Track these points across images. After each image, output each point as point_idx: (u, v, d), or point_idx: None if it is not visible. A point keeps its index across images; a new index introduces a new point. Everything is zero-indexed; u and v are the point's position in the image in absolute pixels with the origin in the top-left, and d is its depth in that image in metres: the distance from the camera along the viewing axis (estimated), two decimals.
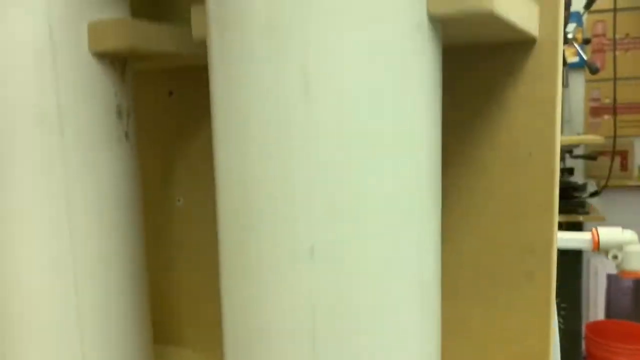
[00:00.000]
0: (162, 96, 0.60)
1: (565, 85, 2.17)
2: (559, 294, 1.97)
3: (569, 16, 1.99)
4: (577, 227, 1.96)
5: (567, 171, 2.20)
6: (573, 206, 1.95)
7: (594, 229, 0.59)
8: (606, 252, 0.59)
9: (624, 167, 2.46)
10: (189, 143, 0.60)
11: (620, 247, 0.60)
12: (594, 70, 1.87)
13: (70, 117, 0.42)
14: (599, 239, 0.58)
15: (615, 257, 0.57)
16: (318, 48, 0.28)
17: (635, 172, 2.47)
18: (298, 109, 0.28)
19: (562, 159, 2.10)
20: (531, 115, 0.42)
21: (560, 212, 1.99)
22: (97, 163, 0.44)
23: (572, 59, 2.09)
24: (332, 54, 0.28)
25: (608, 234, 0.54)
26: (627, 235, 0.54)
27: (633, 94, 2.41)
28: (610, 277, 2.52)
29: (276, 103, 0.29)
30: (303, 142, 0.28)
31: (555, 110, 0.42)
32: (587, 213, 1.93)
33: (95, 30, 0.42)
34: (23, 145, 0.41)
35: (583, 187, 2.08)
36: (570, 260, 1.96)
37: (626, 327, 2.30)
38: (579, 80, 2.25)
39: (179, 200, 0.61)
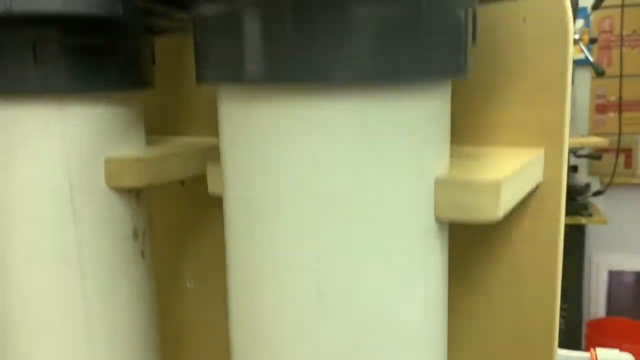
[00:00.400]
0: (175, 185, 0.61)
1: (570, 82, 2.16)
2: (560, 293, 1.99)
3: (576, 13, 1.97)
4: (579, 229, 1.98)
5: (571, 169, 2.21)
6: (576, 208, 1.96)
7: (592, 350, 0.60)
8: None
9: (628, 164, 2.47)
10: (200, 232, 0.62)
11: None
12: (599, 73, 1.86)
13: (89, 248, 0.43)
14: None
15: None
16: (330, 254, 0.29)
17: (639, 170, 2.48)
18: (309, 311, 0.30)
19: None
20: (534, 250, 0.43)
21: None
22: (115, 288, 0.45)
23: (578, 56, 2.08)
24: (344, 262, 0.29)
25: (606, 356, 0.56)
26: (624, 358, 0.55)
27: (639, 91, 2.40)
28: (611, 274, 2.55)
29: (290, 309, 0.30)
30: (311, 338, 0.30)
31: (558, 242, 0.43)
32: (590, 215, 1.94)
33: (111, 169, 0.43)
34: (41, 281, 0.43)
35: (586, 188, 2.09)
36: (573, 256, 1.98)
37: (626, 324, 2.34)
38: (584, 77, 2.24)
39: (189, 283, 0.63)
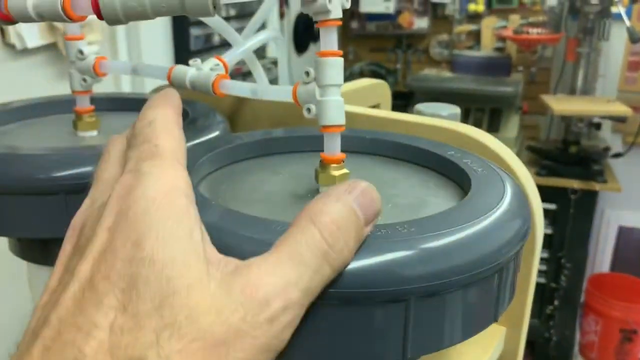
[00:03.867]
0: None
1: (605, 38, 2.11)
2: (566, 246, 2.02)
3: None
4: (592, 195, 2.00)
5: (594, 126, 2.20)
6: (591, 174, 1.97)
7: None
8: None
9: None
10: None
11: None
12: (635, 40, 1.82)
13: None
14: None
15: None
16: None
17: None
18: None
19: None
20: None
21: (578, 177, 2.01)
22: None
23: (616, 10, 2.02)
24: None
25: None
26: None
27: None
28: (621, 229, 2.59)
29: None
30: None
31: None
32: (604, 182, 1.95)
33: None
34: None
35: (604, 153, 2.08)
36: (584, 206, 2.01)
37: (627, 281, 2.40)
38: (621, 33, 2.18)
39: None
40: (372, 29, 2.57)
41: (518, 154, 2.04)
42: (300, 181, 0.35)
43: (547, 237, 2.09)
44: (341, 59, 0.32)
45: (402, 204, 0.32)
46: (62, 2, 0.27)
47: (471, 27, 2.49)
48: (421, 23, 2.53)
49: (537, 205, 0.39)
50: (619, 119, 2.07)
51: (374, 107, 0.60)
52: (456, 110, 0.47)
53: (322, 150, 0.32)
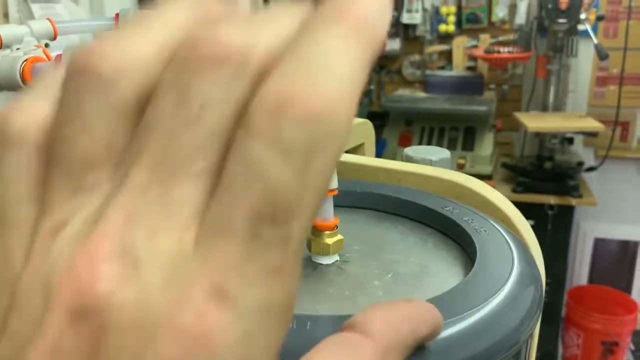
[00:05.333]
0: None
1: (574, 55, 2.15)
2: (545, 261, 2.06)
3: (581, 2, 1.94)
4: (568, 210, 2.02)
5: (567, 141, 2.23)
6: (566, 189, 1.99)
7: None
8: None
9: (623, 138, 2.49)
10: None
11: None
12: (603, 56, 1.85)
13: None
14: None
15: None
16: None
17: (634, 144, 2.50)
18: None
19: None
20: None
21: (554, 193, 2.03)
22: None
23: (583, 27, 2.06)
24: None
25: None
26: None
27: None
28: (597, 242, 2.62)
29: None
30: None
31: None
32: (580, 196, 1.97)
33: None
34: None
35: (578, 168, 2.11)
36: (561, 221, 2.02)
37: (606, 293, 2.42)
38: (588, 49, 2.22)
39: None
40: None
41: (493, 172, 2.05)
42: None
43: None
44: None
45: (403, 273, 0.29)
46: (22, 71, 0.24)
47: (442, 47, 2.51)
48: (393, 44, 2.54)
49: (539, 259, 0.37)
50: (591, 134, 2.10)
51: (358, 146, 0.58)
52: (446, 154, 0.45)
53: None
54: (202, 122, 0.12)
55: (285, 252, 0.12)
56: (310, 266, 0.30)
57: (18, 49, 0.36)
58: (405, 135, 2.33)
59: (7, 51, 0.29)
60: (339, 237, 0.30)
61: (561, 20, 1.97)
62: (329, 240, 0.30)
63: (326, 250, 0.30)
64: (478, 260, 0.28)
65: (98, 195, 0.13)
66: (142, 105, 0.13)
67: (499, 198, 0.39)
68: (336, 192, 0.30)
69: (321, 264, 0.30)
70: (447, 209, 0.34)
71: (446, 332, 0.22)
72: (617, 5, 2.38)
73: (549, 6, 1.94)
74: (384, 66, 2.62)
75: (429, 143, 2.29)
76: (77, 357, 0.11)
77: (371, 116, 2.64)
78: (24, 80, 0.24)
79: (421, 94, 2.46)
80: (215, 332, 0.11)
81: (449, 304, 0.24)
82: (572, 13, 1.93)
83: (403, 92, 2.52)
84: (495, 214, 0.39)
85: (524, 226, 0.39)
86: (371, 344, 0.17)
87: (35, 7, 1.13)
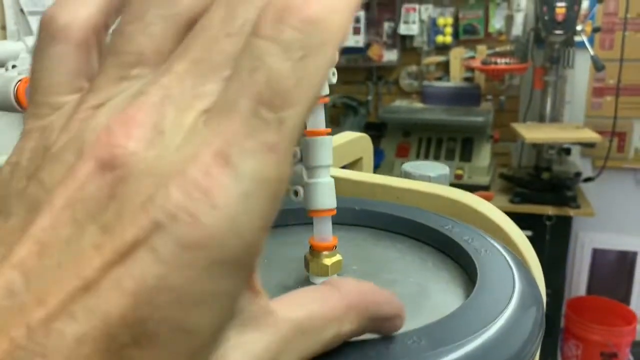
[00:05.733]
0: None
1: (570, 66, 2.16)
2: (544, 272, 2.05)
3: (577, 14, 1.95)
4: (566, 220, 2.01)
5: (564, 151, 2.23)
6: (564, 200, 1.99)
7: None
8: None
9: (620, 149, 2.49)
10: None
11: None
12: (599, 68, 1.86)
13: None
14: None
15: None
16: None
17: (632, 154, 2.51)
18: None
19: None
20: None
21: (551, 204, 2.03)
22: None
23: (579, 39, 2.07)
24: None
25: None
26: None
27: (638, 76, 2.41)
28: (595, 252, 2.61)
29: None
30: None
31: None
32: (578, 207, 1.97)
33: None
34: None
35: (576, 178, 2.11)
36: (559, 232, 2.02)
37: (605, 303, 2.41)
38: (585, 60, 2.23)
39: None
40: (342, 62, 2.58)
41: (491, 182, 2.05)
42: (289, 269, 0.32)
43: None
44: (330, 138, 0.30)
45: (402, 294, 0.29)
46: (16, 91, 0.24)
47: (440, 58, 2.52)
48: (390, 55, 2.55)
49: (539, 277, 0.37)
50: (589, 145, 2.10)
51: (356, 161, 0.58)
52: (445, 170, 0.45)
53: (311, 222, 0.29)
54: (240, 36, 0.15)
55: (279, 133, 0.14)
56: None
57: (14, 66, 0.36)
58: (403, 146, 2.34)
59: (2, 70, 0.29)
60: (338, 257, 0.30)
61: (558, 32, 1.98)
62: (328, 261, 0.29)
63: (324, 271, 0.29)
64: (478, 282, 0.28)
65: (140, 83, 0.15)
66: (192, 23, 0.16)
67: (498, 215, 0.39)
68: (334, 212, 0.29)
69: None
70: (447, 227, 0.34)
71: (446, 358, 0.22)
72: (613, 17, 2.40)
73: (546, 18, 1.95)
74: (381, 77, 2.63)
75: (426, 154, 2.29)
76: (95, 200, 0.13)
77: (369, 127, 2.65)
78: (17, 101, 0.23)
79: (419, 105, 2.46)
80: (217, 188, 0.13)
81: (449, 329, 0.23)
82: (569, 25, 1.94)
83: (400, 103, 2.52)
84: (494, 231, 0.38)
85: (524, 243, 0.38)
86: (338, 296, 0.19)
87: (32, 19, 1.13)
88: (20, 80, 0.25)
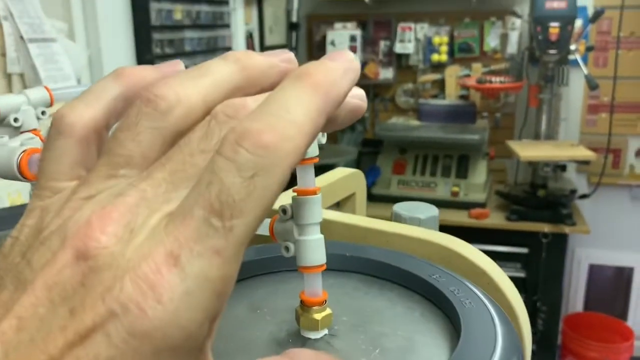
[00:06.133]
0: None
1: (565, 84, 2.18)
2: (540, 288, 2.04)
3: (571, 34, 1.97)
4: (562, 237, 2.02)
5: (560, 168, 2.24)
6: (560, 217, 2.00)
7: None
8: None
9: (615, 164, 2.51)
10: None
11: None
12: (593, 86, 1.88)
13: None
14: None
15: None
16: None
17: (627, 171, 2.52)
18: None
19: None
20: None
21: (547, 221, 2.04)
22: None
23: (573, 57, 2.09)
24: None
25: None
26: None
27: (632, 94, 2.43)
28: (592, 268, 2.62)
29: None
30: None
31: None
32: (574, 224, 1.98)
33: None
34: None
35: (571, 196, 2.12)
36: (555, 248, 2.03)
37: (602, 320, 2.42)
38: (579, 78, 2.26)
39: None
40: None
41: (487, 199, 2.05)
42: (281, 322, 0.33)
43: (521, 281, 2.10)
44: (319, 196, 0.31)
45: (390, 348, 0.30)
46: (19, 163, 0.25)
47: (435, 76, 2.55)
48: (387, 73, 2.57)
49: (524, 318, 0.38)
50: (584, 162, 2.12)
51: (349, 196, 0.59)
52: (434, 212, 0.46)
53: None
54: (212, 152, 0.17)
55: (226, 240, 0.16)
56: (299, 341, 0.31)
57: (16, 119, 0.37)
58: (400, 163, 2.35)
59: (5, 139, 0.30)
60: (328, 311, 0.31)
61: (552, 51, 2.00)
62: (318, 316, 0.30)
63: (314, 326, 0.30)
64: (462, 337, 0.29)
65: (124, 183, 0.17)
66: (179, 135, 0.18)
67: (483, 259, 0.40)
68: (324, 267, 0.30)
69: (310, 339, 0.31)
70: (434, 276, 0.35)
71: None
72: (606, 36, 2.43)
73: (540, 37, 1.97)
74: (378, 94, 2.65)
75: (422, 171, 2.31)
76: (70, 284, 0.16)
77: (366, 144, 2.66)
78: (20, 171, 0.25)
79: (414, 122, 2.48)
80: (164, 285, 0.15)
81: None
82: (562, 44, 1.97)
83: (397, 120, 2.54)
84: (479, 274, 0.40)
85: (508, 286, 0.39)
86: None
87: (32, 47, 1.15)
88: (23, 152, 0.26)
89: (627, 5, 2.28)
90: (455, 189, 2.19)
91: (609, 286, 2.65)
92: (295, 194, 0.31)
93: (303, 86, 0.18)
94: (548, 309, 2.13)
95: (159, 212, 0.17)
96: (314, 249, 0.30)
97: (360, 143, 2.63)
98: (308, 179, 0.30)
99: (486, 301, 0.32)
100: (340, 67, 0.19)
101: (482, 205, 2.15)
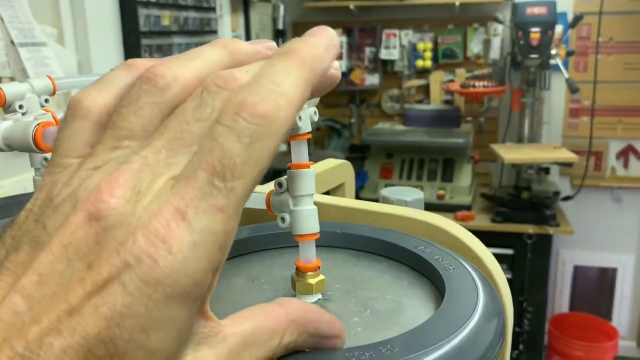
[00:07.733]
0: None
1: (547, 88, 2.23)
2: (526, 289, 2.06)
3: (551, 39, 2.02)
4: (547, 238, 2.06)
5: (543, 171, 2.29)
6: (544, 218, 2.03)
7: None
8: None
9: (597, 167, 2.56)
10: None
11: None
12: (574, 90, 1.93)
13: None
14: None
15: None
16: None
17: (608, 173, 2.57)
18: None
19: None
20: None
21: (532, 222, 2.07)
22: None
23: (554, 62, 2.14)
24: None
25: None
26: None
27: (612, 97, 2.49)
28: (576, 269, 2.67)
29: None
30: None
31: None
32: (557, 225, 2.02)
33: None
34: None
35: (555, 197, 2.16)
36: (540, 249, 2.07)
37: (587, 320, 2.45)
38: (561, 82, 2.31)
39: None
40: None
41: (472, 202, 2.08)
42: (278, 290, 0.35)
43: (507, 283, 2.13)
44: (313, 170, 0.33)
45: (380, 310, 0.32)
46: (34, 135, 0.27)
47: (420, 81, 2.59)
48: (372, 79, 2.61)
49: (506, 292, 0.40)
50: (567, 164, 2.16)
51: (339, 186, 0.61)
52: (419, 195, 0.48)
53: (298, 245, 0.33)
54: (207, 121, 0.19)
55: (228, 199, 0.18)
56: None
57: (21, 106, 0.39)
58: (386, 168, 2.38)
59: (19, 115, 0.32)
60: (321, 277, 0.33)
61: (533, 56, 2.05)
62: (312, 281, 0.32)
63: (309, 290, 0.32)
64: (446, 297, 0.31)
65: (128, 152, 0.19)
66: (175, 108, 0.20)
67: (467, 235, 0.42)
68: (318, 236, 0.33)
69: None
70: (420, 248, 0.37)
71: None
72: (586, 41, 2.49)
73: (521, 42, 2.02)
74: (364, 100, 2.68)
75: (409, 175, 2.34)
76: (84, 243, 0.17)
77: (353, 149, 2.69)
78: (35, 143, 0.27)
79: (400, 127, 2.52)
80: (174, 237, 0.17)
81: (419, 338, 0.26)
82: (543, 49, 2.01)
83: (383, 125, 2.57)
84: (463, 249, 0.42)
85: (490, 261, 0.42)
86: (283, 312, 0.22)
87: (22, 51, 1.16)
88: (38, 125, 0.28)
89: (605, 11, 2.34)
90: (441, 192, 2.23)
91: (593, 287, 2.69)
92: (290, 168, 0.33)
93: (290, 61, 0.20)
94: (534, 310, 2.16)
95: (162, 176, 0.18)
96: (308, 218, 0.32)
97: (347, 149, 2.66)
98: (302, 154, 0.33)
99: (469, 268, 0.35)
100: (323, 42, 0.22)
101: (467, 207, 2.19)
